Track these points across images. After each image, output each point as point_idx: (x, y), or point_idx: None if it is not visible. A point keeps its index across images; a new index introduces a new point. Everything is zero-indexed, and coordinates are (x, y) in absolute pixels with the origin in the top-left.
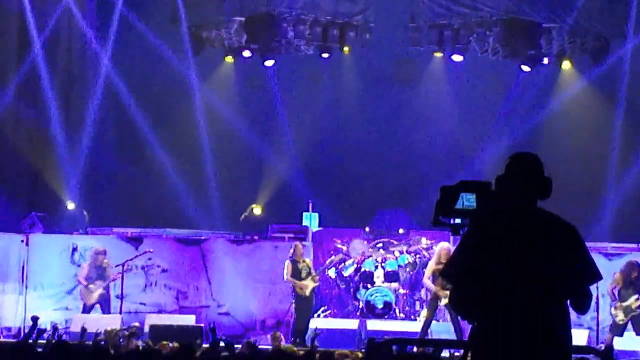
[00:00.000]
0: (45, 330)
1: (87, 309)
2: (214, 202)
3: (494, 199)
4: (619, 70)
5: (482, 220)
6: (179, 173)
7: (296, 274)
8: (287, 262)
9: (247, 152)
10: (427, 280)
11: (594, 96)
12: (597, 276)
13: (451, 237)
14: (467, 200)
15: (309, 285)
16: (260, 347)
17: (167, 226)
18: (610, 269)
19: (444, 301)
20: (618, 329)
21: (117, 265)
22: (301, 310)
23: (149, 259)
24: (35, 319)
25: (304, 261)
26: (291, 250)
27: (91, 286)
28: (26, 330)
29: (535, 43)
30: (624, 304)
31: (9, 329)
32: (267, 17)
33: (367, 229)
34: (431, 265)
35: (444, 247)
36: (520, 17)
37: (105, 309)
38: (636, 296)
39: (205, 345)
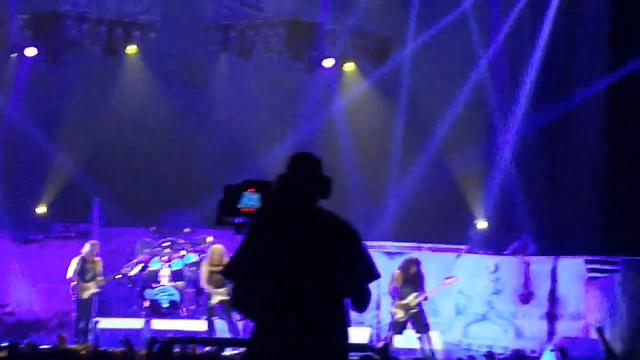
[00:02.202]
0: None
1: None
2: None
3: (275, 198)
4: (400, 71)
5: (263, 219)
6: None
7: (82, 273)
8: (75, 260)
9: (32, 151)
10: (203, 282)
11: (376, 97)
12: (375, 275)
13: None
14: (250, 200)
15: (89, 288)
16: (43, 347)
17: None
18: (391, 268)
19: (215, 299)
20: (398, 327)
21: None
22: (80, 311)
23: None
24: None
25: (93, 262)
26: (84, 249)
27: None
28: None
29: (318, 44)
30: (403, 302)
31: None
32: (51, 15)
33: (153, 228)
34: (205, 267)
35: (216, 248)
36: (303, 19)
37: None
38: (415, 294)
39: None
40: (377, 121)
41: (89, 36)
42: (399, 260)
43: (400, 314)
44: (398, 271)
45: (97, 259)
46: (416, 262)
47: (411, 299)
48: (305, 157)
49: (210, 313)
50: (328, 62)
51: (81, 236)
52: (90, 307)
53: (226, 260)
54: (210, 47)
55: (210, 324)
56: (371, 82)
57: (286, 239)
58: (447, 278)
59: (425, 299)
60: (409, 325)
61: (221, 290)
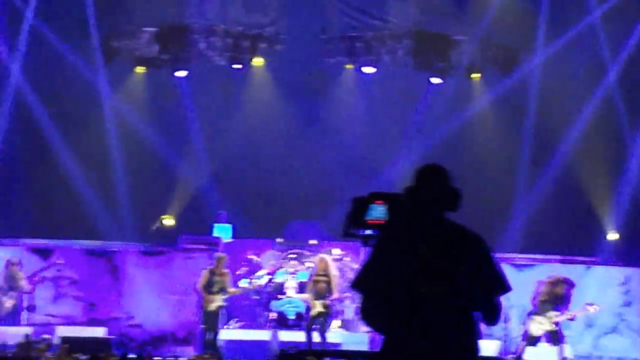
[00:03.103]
0: None
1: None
2: (125, 213)
3: (403, 210)
4: (528, 82)
5: (391, 231)
6: (90, 184)
7: (209, 285)
8: (204, 271)
9: (159, 163)
10: (307, 291)
11: (503, 108)
12: (506, 288)
13: (362, 249)
14: (378, 212)
15: (215, 301)
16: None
17: (77, 237)
18: (519, 280)
19: (314, 311)
20: (532, 340)
21: (27, 277)
22: (206, 323)
23: (59, 270)
24: None
25: (222, 275)
26: (215, 261)
27: (4, 298)
28: None
29: (445, 55)
30: (541, 317)
31: None
32: (179, 28)
33: (279, 239)
34: (313, 276)
35: (322, 259)
36: (431, 30)
37: (15, 321)
38: (556, 312)
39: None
40: (504, 131)
41: (215, 48)
42: (529, 273)
43: (536, 328)
44: (546, 286)
45: (225, 271)
46: (567, 283)
47: (551, 315)
48: (434, 169)
49: (310, 324)
50: (454, 73)
51: (208, 248)
52: (217, 319)
53: (332, 270)
54: (335, 58)
55: (309, 336)
56: (498, 93)
57: (415, 250)
58: (590, 305)
59: (571, 319)
60: (543, 338)
61: (320, 302)
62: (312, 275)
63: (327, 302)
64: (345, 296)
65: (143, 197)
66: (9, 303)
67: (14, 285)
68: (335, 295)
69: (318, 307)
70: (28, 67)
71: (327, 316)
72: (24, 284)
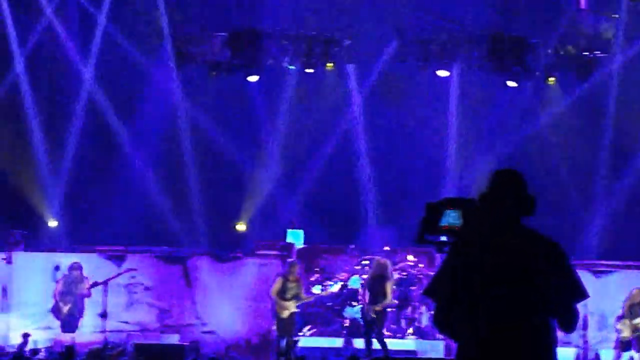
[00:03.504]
0: (38, 351)
1: (64, 325)
2: (198, 219)
3: (477, 216)
4: (606, 86)
5: (466, 237)
6: (163, 190)
7: (282, 292)
8: (278, 278)
9: (231, 168)
10: (364, 292)
11: (580, 112)
12: (583, 294)
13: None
14: (452, 218)
15: (289, 307)
16: None
17: (150, 244)
18: (597, 287)
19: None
20: (624, 345)
21: (96, 283)
22: (280, 329)
23: (132, 277)
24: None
25: (295, 281)
26: (288, 267)
27: (61, 303)
28: (7, 350)
29: (522, 59)
30: (633, 321)
31: None
32: (251, 33)
33: (352, 246)
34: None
35: (379, 261)
36: (507, 33)
37: (72, 326)
38: None
39: None
40: (582, 136)
41: (287, 53)
42: (607, 279)
43: (626, 332)
44: (638, 290)
45: (298, 277)
46: None
47: (638, 321)
48: (509, 174)
49: (368, 327)
50: (530, 77)
51: (281, 254)
52: (291, 326)
53: (389, 275)
54: (409, 61)
55: (368, 342)
56: (575, 96)
57: (489, 259)
58: None
59: None
60: (633, 342)
61: (372, 306)
62: (367, 279)
63: (379, 307)
64: (394, 302)
65: (215, 202)
66: (66, 308)
67: (73, 290)
68: (388, 300)
69: (371, 311)
70: (101, 73)
71: (379, 322)
72: (82, 288)
